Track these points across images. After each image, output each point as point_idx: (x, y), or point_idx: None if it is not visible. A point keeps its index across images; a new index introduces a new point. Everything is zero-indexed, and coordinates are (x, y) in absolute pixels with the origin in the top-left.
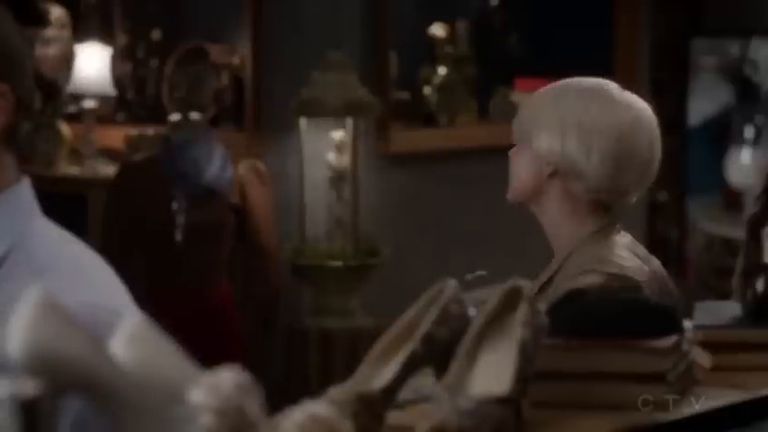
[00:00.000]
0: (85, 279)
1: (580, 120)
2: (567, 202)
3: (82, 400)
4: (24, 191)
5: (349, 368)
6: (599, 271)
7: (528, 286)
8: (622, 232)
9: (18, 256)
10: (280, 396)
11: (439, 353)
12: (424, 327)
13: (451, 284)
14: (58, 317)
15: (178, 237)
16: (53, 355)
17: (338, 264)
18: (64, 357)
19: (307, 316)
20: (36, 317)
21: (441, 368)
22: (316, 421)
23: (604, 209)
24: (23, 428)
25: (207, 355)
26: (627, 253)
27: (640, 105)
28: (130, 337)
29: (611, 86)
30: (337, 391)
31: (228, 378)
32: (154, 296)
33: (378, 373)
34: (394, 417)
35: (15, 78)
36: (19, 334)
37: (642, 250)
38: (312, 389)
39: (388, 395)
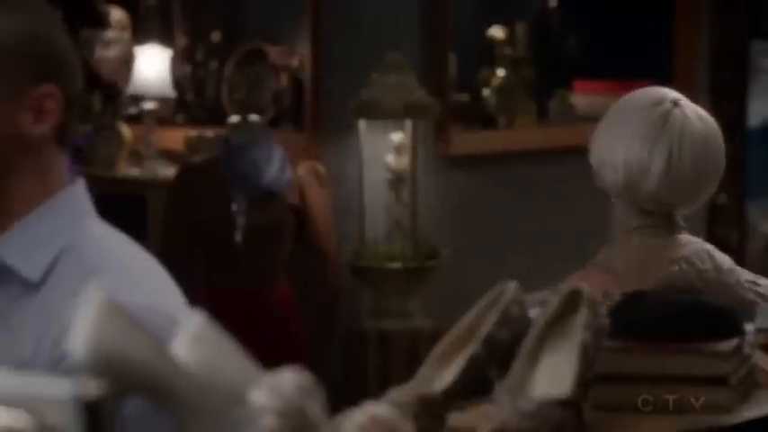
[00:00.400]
0: (139, 281)
1: None
2: None
3: (144, 400)
4: (78, 192)
5: (408, 370)
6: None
7: (588, 289)
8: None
9: (70, 258)
10: (339, 397)
11: (500, 355)
12: (485, 328)
13: (512, 286)
14: (121, 317)
15: (237, 238)
16: (117, 355)
17: (397, 265)
18: (127, 358)
19: (366, 317)
20: (99, 317)
21: (501, 370)
22: (377, 422)
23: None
24: (86, 429)
25: (265, 356)
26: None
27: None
28: (193, 338)
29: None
30: (398, 393)
31: (290, 379)
32: (213, 297)
33: (439, 375)
34: (455, 418)
35: (63, 79)
36: (83, 334)
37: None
38: (371, 390)
39: (450, 397)
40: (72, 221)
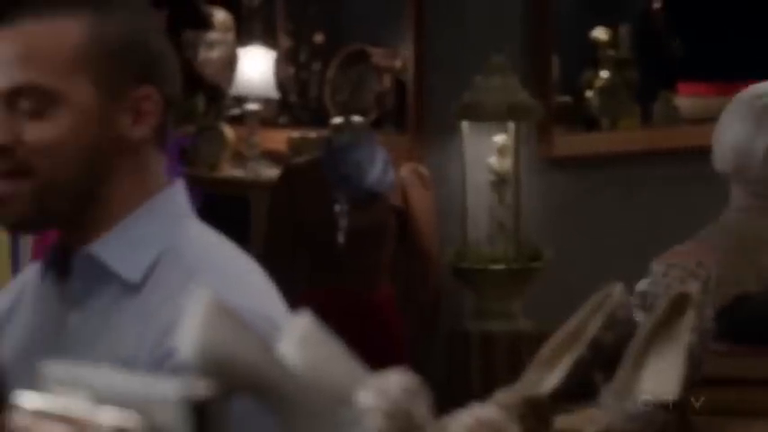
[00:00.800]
0: (239, 284)
1: None
2: None
3: (251, 401)
4: (177, 194)
5: (510, 371)
6: None
7: (696, 291)
8: None
9: (170, 260)
10: (441, 399)
11: (606, 357)
12: (591, 331)
13: (618, 289)
14: (229, 318)
15: (340, 239)
16: (225, 356)
17: (500, 267)
18: (235, 358)
19: (468, 319)
20: (207, 318)
21: (607, 373)
22: (483, 424)
23: None
24: (195, 430)
25: (367, 357)
26: None
27: None
28: (300, 339)
29: None
30: (504, 395)
31: (396, 380)
32: (315, 298)
33: (544, 378)
34: (561, 421)
35: (161, 80)
36: (191, 334)
37: None
38: (473, 391)
39: (555, 399)
40: (171, 223)
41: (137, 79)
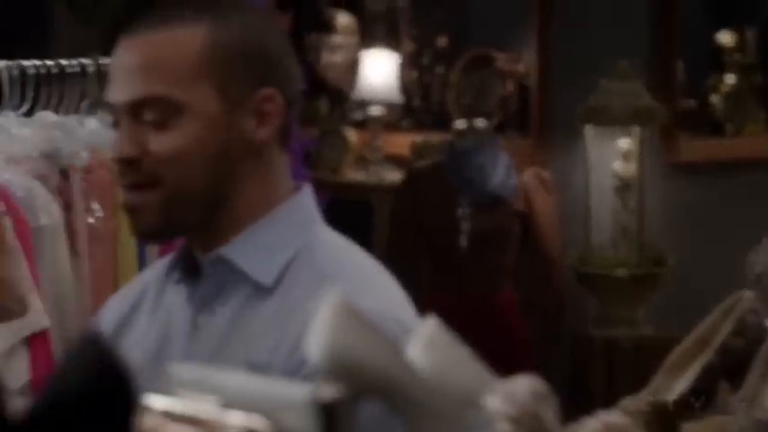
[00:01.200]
0: (371, 288)
1: None
2: None
3: (378, 404)
4: (306, 198)
5: (633, 377)
6: None
7: None
8: None
9: (303, 264)
10: (564, 403)
11: (734, 364)
12: (720, 337)
13: (748, 295)
14: (357, 320)
15: (462, 243)
16: (354, 359)
17: (623, 273)
18: (364, 362)
19: (591, 324)
20: (336, 321)
21: (736, 379)
22: (610, 430)
23: None
24: (324, 429)
25: (490, 361)
26: None
27: None
28: (427, 343)
29: None
30: (631, 401)
31: (524, 385)
32: (438, 301)
33: (672, 384)
34: (688, 428)
35: (282, 81)
36: (320, 337)
37: None
38: (596, 397)
39: (682, 406)
40: (302, 227)
41: (258, 82)
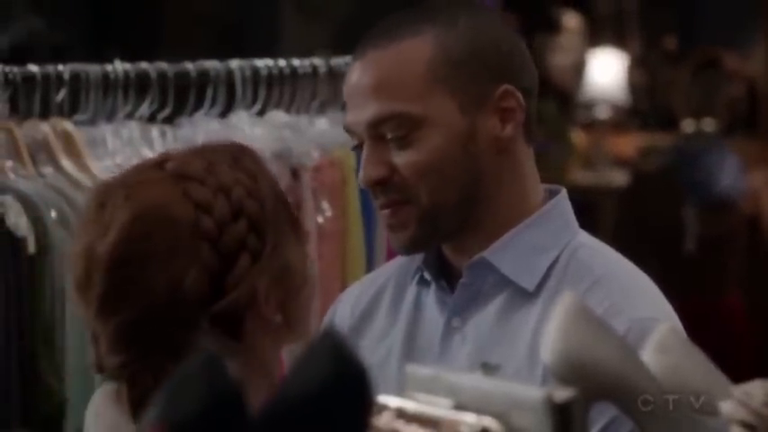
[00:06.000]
0: (642, 293)
1: None
2: None
3: (611, 405)
4: (565, 200)
5: None
6: None
7: None
8: None
9: (565, 267)
10: None
11: None
12: None
13: None
14: (590, 321)
15: (689, 245)
16: (587, 360)
17: None
18: (597, 363)
19: None
20: (569, 321)
21: None
22: None
23: None
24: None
25: (717, 365)
26: None
27: None
28: (660, 345)
29: None
30: None
31: (759, 390)
32: None
33: None
34: None
35: (514, 75)
36: (553, 338)
37: None
38: None
39: None
40: (564, 231)
41: (493, 80)
